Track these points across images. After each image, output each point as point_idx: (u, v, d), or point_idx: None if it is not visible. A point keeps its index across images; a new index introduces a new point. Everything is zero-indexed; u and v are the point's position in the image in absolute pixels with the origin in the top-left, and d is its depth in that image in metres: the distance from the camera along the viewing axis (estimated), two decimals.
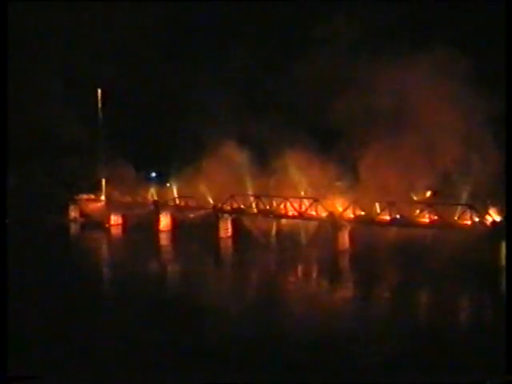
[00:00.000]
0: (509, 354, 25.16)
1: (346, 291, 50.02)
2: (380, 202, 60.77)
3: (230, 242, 69.76)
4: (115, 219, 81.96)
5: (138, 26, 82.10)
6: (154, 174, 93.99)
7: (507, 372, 24.49)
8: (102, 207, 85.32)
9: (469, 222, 55.02)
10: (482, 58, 59.02)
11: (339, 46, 67.83)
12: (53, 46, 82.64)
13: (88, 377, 27.96)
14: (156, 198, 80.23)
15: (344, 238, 62.39)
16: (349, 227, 62.50)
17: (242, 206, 70.66)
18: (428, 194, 65.13)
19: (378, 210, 60.88)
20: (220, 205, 71.42)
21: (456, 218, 55.86)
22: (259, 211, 69.52)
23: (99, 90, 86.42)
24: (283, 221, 71.40)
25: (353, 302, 45.88)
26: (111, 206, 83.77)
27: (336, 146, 68.11)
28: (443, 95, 58.98)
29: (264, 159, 73.09)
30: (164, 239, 73.94)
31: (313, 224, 65.87)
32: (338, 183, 68.40)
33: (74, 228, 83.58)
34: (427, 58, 60.39)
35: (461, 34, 65.25)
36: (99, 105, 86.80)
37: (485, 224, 54.08)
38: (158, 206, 78.28)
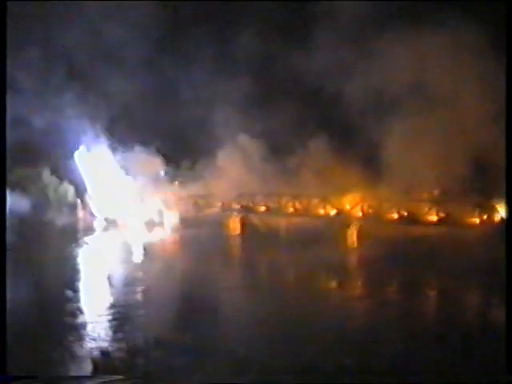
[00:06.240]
0: (509, 354, 24.87)
1: (354, 290, 50.00)
2: (388, 200, 60.78)
3: (238, 239, 69.89)
4: None
5: (140, 14, 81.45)
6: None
7: (507, 372, 24.22)
8: None
9: (477, 220, 54.90)
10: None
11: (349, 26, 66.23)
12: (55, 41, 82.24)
13: (88, 377, 28.00)
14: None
15: (352, 237, 62.34)
16: (357, 225, 62.45)
17: (251, 204, 70.80)
18: (436, 192, 64.97)
19: (387, 208, 60.91)
20: (228, 203, 71.57)
21: (464, 216, 55.70)
22: (267, 209, 69.62)
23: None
24: (291, 219, 71.66)
25: (359, 300, 45.89)
26: None
27: (345, 140, 67.76)
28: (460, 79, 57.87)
29: (274, 156, 73.04)
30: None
31: (321, 222, 66.04)
32: (347, 180, 68.27)
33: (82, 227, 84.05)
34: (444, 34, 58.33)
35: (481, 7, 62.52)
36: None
37: (493, 221, 53.82)
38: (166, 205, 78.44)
